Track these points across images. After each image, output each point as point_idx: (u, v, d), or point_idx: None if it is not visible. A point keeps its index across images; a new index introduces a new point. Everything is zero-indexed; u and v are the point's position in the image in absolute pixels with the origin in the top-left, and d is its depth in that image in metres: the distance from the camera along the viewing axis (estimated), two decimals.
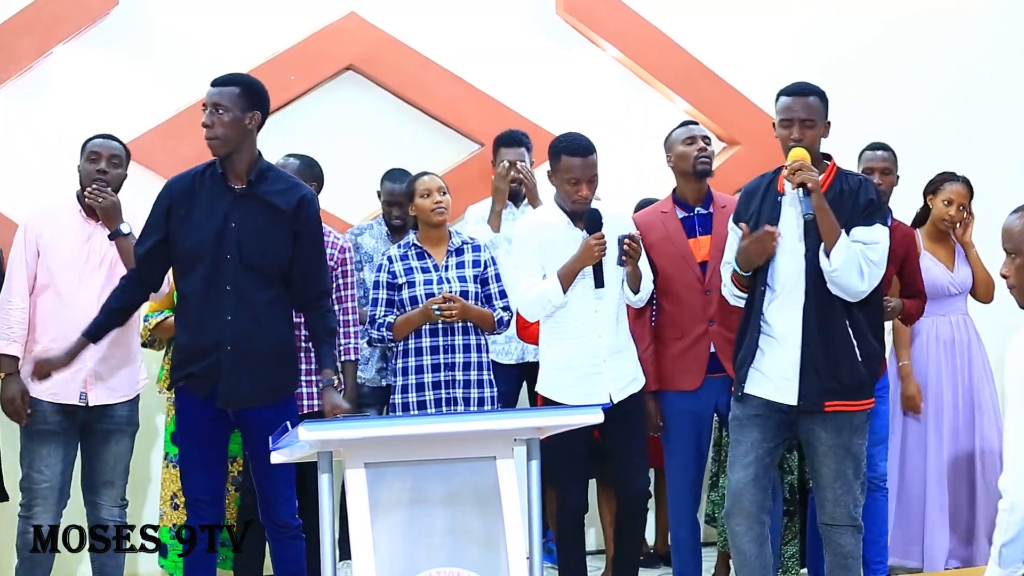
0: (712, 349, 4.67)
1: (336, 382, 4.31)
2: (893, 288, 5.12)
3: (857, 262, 4.04)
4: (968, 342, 5.67)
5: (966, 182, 5.68)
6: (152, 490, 5.80)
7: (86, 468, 4.63)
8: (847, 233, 4.07)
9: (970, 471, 5.64)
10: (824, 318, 4.09)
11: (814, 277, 4.10)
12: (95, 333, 4.22)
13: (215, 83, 4.16)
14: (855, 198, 4.13)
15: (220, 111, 4.09)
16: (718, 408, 4.72)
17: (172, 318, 4.97)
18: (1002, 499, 3.03)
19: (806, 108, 4.16)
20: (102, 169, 4.63)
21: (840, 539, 4.18)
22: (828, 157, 4.24)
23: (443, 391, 4.80)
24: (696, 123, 4.98)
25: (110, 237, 4.57)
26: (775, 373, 4.15)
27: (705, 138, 4.83)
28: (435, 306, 4.76)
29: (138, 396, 4.72)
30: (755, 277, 4.22)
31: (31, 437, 4.51)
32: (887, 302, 5.00)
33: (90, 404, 4.53)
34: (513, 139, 5.62)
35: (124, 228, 4.57)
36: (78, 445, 4.61)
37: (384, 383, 5.37)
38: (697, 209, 4.77)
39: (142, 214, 4.33)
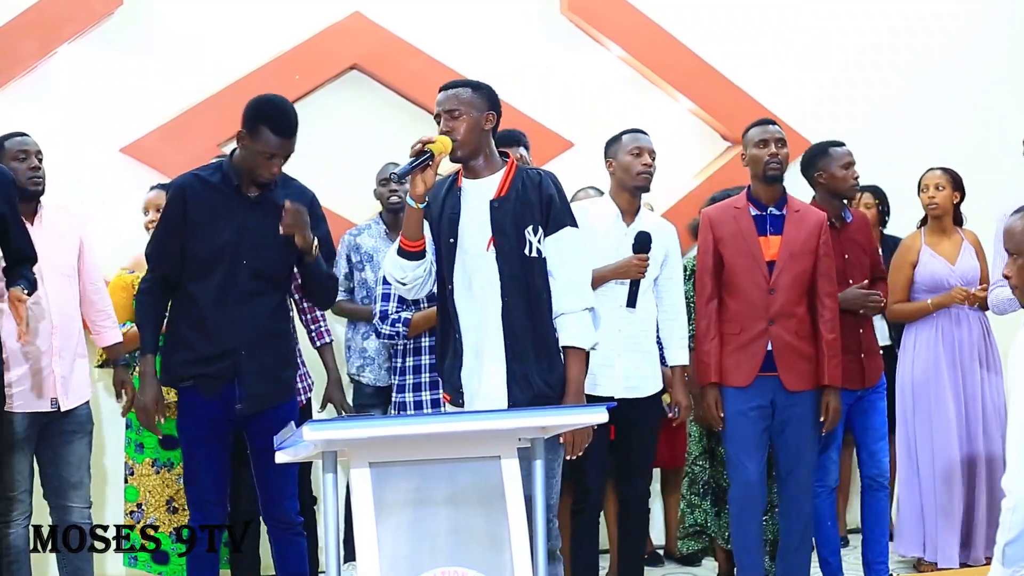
0: (769, 348, 4.63)
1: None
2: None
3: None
4: (962, 340, 5.62)
5: (944, 169, 5.72)
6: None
7: (50, 472, 4.56)
8: (539, 238, 3.80)
9: (969, 470, 5.62)
10: (529, 318, 3.79)
11: (508, 273, 3.79)
12: (155, 347, 4.26)
13: (289, 134, 4.10)
14: (538, 195, 3.82)
15: (286, 160, 4.15)
16: (774, 406, 4.66)
17: (134, 329, 4.91)
18: (1006, 498, 3.03)
19: (450, 100, 3.86)
20: (35, 165, 4.54)
21: None
22: (505, 155, 3.94)
23: (440, 391, 4.79)
24: (773, 123, 4.84)
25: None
26: (484, 384, 3.82)
27: (779, 140, 4.72)
28: None
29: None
30: (439, 269, 3.89)
31: (2, 450, 4.40)
32: (871, 297, 5.01)
33: (62, 409, 4.49)
34: (511, 138, 5.60)
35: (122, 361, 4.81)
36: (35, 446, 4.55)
37: (391, 383, 5.37)
38: (770, 209, 4.72)
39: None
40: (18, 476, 4.44)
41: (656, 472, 6.19)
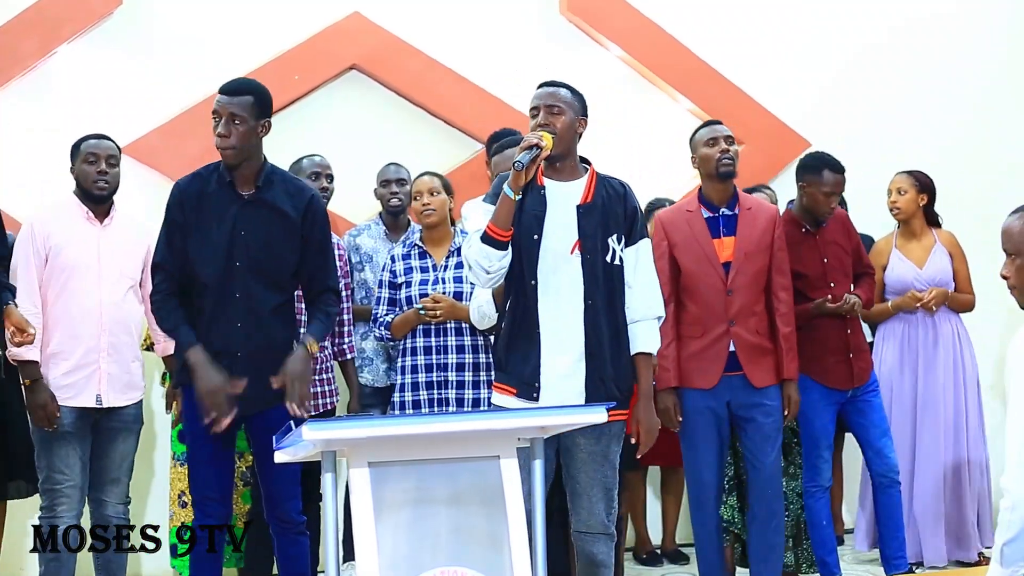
0: (732, 348, 4.63)
1: (305, 352, 4.12)
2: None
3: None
4: (927, 343, 5.66)
5: (909, 172, 5.72)
6: (153, 490, 5.83)
7: (93, 466, 4.64)
8: (622, 247, 3.95)
9: (924, 468, 5.65)
10: (608, 322, 3.91)
11: (591, 277, 3.91)
12: (195, 338, 4.10)
13: (228, 91, 4.15)
14: (623, 206, 3.99)
15: (236, 122, 4.10)
16: (730, 405, 4.66)
17: None
18: (1004, 498, 3.03)
19: (551, 95, 4.00)
20: (103, 170, 4.67)
21: (593, 547, 3.96)
22: (587, 163, 4.06)
23: (436, 391, 4.80)
24: (720, 123, 4.86)
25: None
26: (557, 378, 3.88)
27: (728, 138, 4.73)
28: (419, 306, 4.76)
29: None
30: (517, 264, 3.91)
31: (50, 440, 4.50)
32: (846, 300, 5.00)
33: (105, 406, 4.58)
34: (513, 140, 5.59)
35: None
36: (90, 443, 4.63)
37: (389, 383, 5.39)
38: (722, 210, 4.71)
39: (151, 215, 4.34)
40: (66, 469, 4.50)
41: (656, 471, 6.20)
